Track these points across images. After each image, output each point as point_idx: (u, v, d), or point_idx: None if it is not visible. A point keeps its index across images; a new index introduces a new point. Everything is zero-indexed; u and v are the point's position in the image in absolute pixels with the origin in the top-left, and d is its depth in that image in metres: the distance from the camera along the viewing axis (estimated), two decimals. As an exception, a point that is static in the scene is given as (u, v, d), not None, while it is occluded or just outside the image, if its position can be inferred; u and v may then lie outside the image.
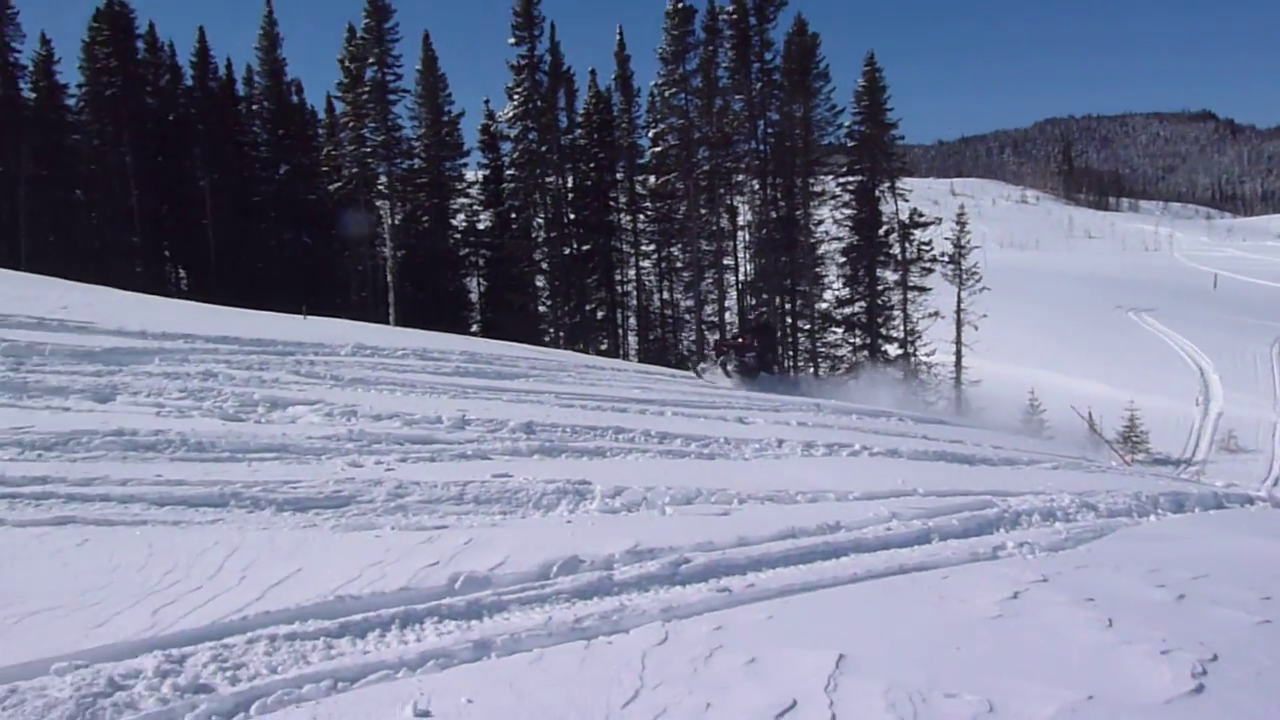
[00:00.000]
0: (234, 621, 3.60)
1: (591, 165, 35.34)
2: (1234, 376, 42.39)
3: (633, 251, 35.82)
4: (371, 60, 33.51)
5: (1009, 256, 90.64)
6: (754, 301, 32.41)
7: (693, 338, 33.24)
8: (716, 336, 27.08)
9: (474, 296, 37.44)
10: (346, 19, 34.92)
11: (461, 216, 37.23)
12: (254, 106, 38.81)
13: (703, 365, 18.94)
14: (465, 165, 37.38)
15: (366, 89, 33.52)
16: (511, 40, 33.05)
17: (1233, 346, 48.09)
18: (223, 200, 35.45)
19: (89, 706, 2.96)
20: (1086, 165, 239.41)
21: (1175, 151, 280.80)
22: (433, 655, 3.50)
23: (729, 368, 17.53)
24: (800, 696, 3.28)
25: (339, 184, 34.57)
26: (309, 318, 17.46)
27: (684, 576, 4.61)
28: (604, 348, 33.52)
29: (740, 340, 18.52)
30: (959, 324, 32.03)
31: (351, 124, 34.05)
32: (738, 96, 32.40)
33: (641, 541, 4.93)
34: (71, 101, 35.28)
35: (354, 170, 33.94)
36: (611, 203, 35.61)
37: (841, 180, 33.19)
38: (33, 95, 34.40)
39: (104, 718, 2.93)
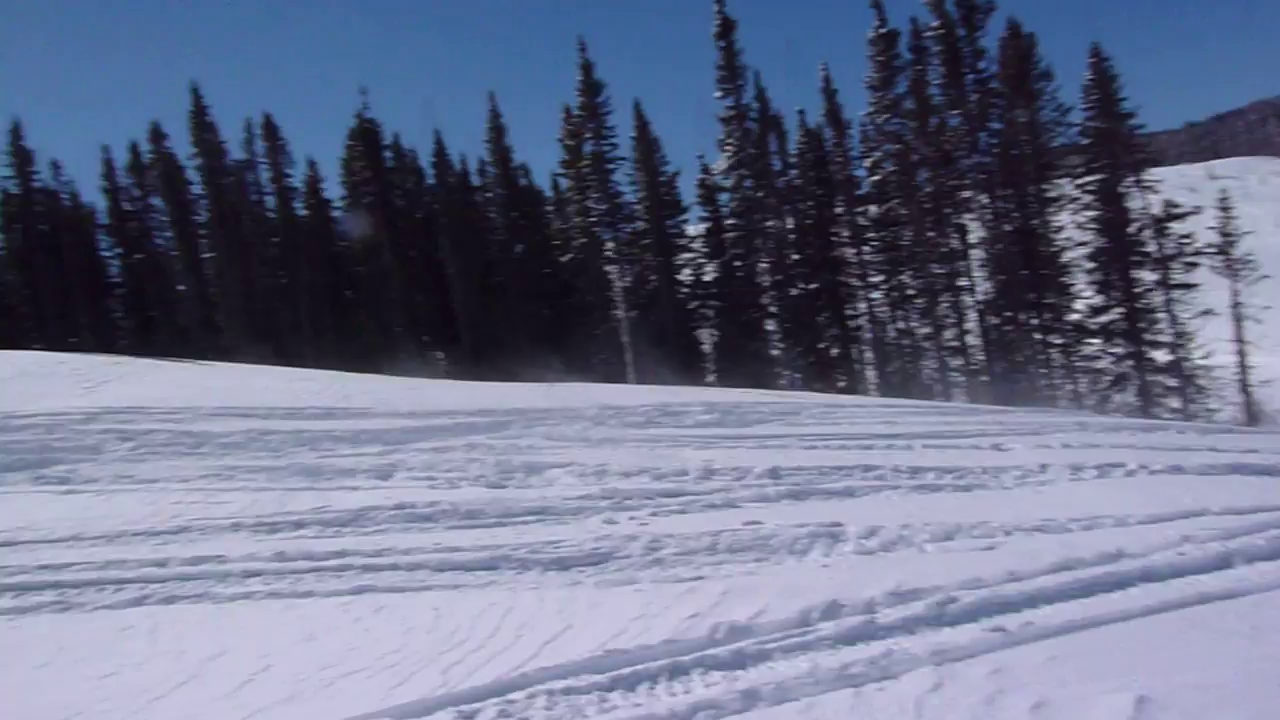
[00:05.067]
0: (515, 678, 3.81)
1: (810, 203, 35.15)
2: None
3: (861, 284, 35.03)
4: (588, 135, 35.22)
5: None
6: (996, 320, 30.72)
7: (935, 365, 31.95)
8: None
9: (706, 348, 37.94)
10: (562, 101, 37.10)
11: (687, 271, 38.01)
12: (489, 194, 41.79)
13: None
14: (686, 221, 38.16)
15: (587, 162, 35.23)
16: (718, 94, 33.66)
17: None
18: (468, 283, 38.23)
19: (398, 761, 3.22)
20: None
21: None
22: (703, 706, 3.54)
23: None
24: (1098, 742, 3.03)
25: (570, 255, 36.43)
26: (555, 384, 18.39)
27: (952, 617, 4.40)
28: (842, 385, 32.86)
29: None
30: (1238, 320, 28.80)
31: (576, 197, 35.88)
32: (954, 112, 31.19)
33: (903, 582, 4.76)
34: (337, 213, 39.65)
35: (583, 240, 35.66)
36: (834, 238, 35.12)
37: (1079, 182, 30.93)
38: (306, 212, 39.05)
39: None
